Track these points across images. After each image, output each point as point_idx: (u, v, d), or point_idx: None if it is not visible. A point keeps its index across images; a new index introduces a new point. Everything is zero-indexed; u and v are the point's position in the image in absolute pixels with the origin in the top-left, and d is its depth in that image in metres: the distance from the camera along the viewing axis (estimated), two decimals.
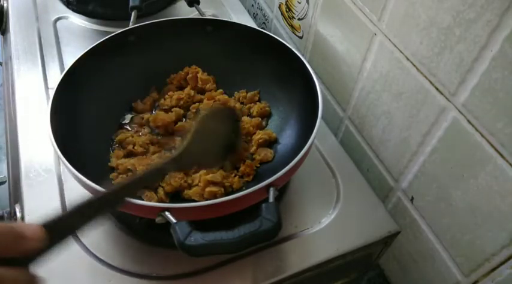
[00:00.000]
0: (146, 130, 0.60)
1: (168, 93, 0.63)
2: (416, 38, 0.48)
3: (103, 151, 0.56)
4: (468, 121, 0.44)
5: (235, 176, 0.54)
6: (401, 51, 0.51)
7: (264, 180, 0.43)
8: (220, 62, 0.65)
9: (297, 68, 0.57)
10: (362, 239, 0.54)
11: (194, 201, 0.51)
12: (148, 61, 0.63)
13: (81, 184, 0.45)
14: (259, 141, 0.57)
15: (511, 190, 0.41)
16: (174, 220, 0.40)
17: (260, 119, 0.61)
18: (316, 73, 0.55)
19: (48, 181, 0.56)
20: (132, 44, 0.62)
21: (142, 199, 0.50)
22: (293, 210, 0.56)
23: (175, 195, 0.52)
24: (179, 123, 0.60)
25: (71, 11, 0.83)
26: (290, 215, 0.56)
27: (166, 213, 0.41)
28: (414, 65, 0.49)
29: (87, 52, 0.57)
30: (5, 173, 1.14)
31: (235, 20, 0.82)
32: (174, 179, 0.51)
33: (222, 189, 0.51)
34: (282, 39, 0.60)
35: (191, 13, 0.77)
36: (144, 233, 0.52)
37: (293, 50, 0.58)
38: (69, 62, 0.56)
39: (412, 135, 0.52)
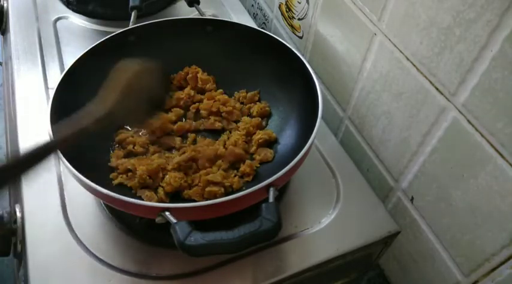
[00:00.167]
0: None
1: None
2: (416, 38, 0.48)
3: (103, 151, 0.56)
4: (468, 121, 0.44)
5: (235, 176, 0.54)
6: (401, 51, 0.51)
7: (264, 180, 0.43)
8: (220, 62, 0.65)
9: (297, 68, 0.57)
10: (362, 239, 0.54)
11: (194, 201, 0.51)
12: (148, 61, 0.63)
13: (81, 184, 0.45)
14: (259, 141, 0.57)
15: (511, 190, 0.41)
16: (174, 220, 0.40)
17: (260, 119, 0.61)
18: (316, 73, 0.55)
19: (48, 181, 0.56)
20: (132, 44, 0.62)
21: (143, 199, 0.50)
22: (293, 210, 0.56)
23: (175, 195, 0.52)
24: (179, 123, 0.60)
25: (71, 11, 0.83)
26: (290, 215, 0.56)
27: (166, 213, 0.41)
28: (414, 65, 0.49)
29: (87, 52, 0.57)
30: None
31: (235, 20, 0.82)
32: (174, 179, 0.51)
33: (222, 189, 0.51)
34: (282, 39, 0.60)
35: (191, 13, 0.77)
36: (144, 233, 0.52)
37: (293, 50, 0.58)
38: (69, 62, 0.56)
39: (412, 135, 0.52)
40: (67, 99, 0.52)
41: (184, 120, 0.62)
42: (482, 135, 0.42)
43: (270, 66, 0.63)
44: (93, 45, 0.57)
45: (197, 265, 0.50)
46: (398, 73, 0.52)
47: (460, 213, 0.48)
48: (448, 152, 0.47)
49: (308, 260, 0.51)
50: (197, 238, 0.38)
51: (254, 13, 0.93)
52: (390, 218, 0.57)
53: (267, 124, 0.62)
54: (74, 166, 0.44)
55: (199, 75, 0.64)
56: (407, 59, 0.50)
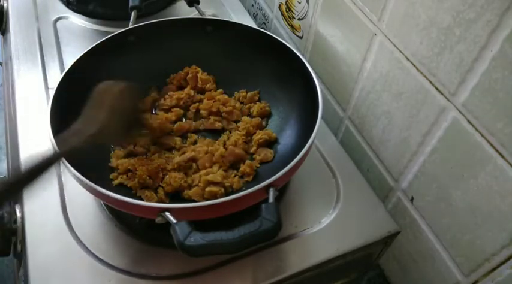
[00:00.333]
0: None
1: (168, 93, 0.63)
2: (416, 38, 0.48)
3: (103, 151, 0.56)
4: (468, 121, 0.44)
5: (235, 176, 0.54)
6: (401, 51, 0.51)
7: (264, 180, 0.43)
8: (220, 62, 0.65)
9: (297, 68, 0.57)
10: (362, 239, 0.54)
11: (194, 201, 0.51)
12: (148, 61, 0.63)
13: (81, 184, 0.45)
14: (259, 141, 0.57)
15: (511, 190, 0.41)
16: (174, 220, 0.40)
17: (260, 119, 0.61)
18: (316, 73, 0.55)
19: (48, 181, 0.56)
20: (132, 44, 0.62)
21: (143, 200, 0.50)
22: (293, 210, 0.56)
23: (175, 195, 0.52)
24: (179, 123, 0.60)
25: (71, 11, 0.83)
26: (290, 215, 0.56)
27: (167, 213, 0.41)
28: (414, 65, 0.49)
29: (87, 52, 0.57)
30: (5, 173, 1.14)
31: (235, 20, 0.82)
32: (174, 179, 0.51)
33: (222, 189, 0.51)
34: (282, 39, 0.60)
35: (191, 13, 0.77)
36: (144, 233, 0.52)
37: (293, 50, 0.58)
38: (69, 62, 0.56)
39: (412, 135, 0.52)
40: (67, 99, 0.52)
41: (184, 120, 0.62)
42: (482, 135, 0.42)
43: (270, 66, 0.63)
44: (93, 45, 0.57)
45: (197, 265, 0.50)
46: (398, 73, 0.52)
47: (460, 213, 0.48)
48: (448, 152, 0.47)
49: (308, 260, 0.51)
50: (197, 238, 0.38)
51: (254, 13, 0.93)
52: (390, 218, 0.57)
53: (267, 124, 0.62)
54: (73, 166, 0.44)
55: (199, 75, 0.64)
56: (407, 59, 0.50)
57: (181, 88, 0.65)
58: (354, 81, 0.62)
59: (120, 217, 0.53)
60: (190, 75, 0.64)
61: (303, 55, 0.59)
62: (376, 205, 0.58)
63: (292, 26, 0.77)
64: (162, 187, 0.52)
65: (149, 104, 0.62)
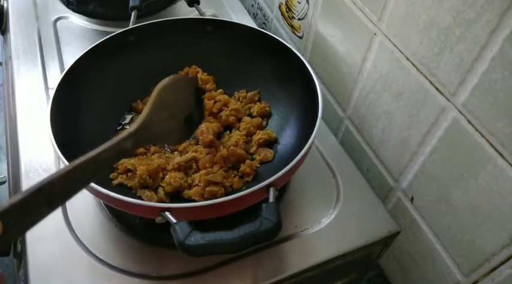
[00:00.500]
0: None
1: None
2: (416, 38, 0.48)
3: None
4: (468, 121, 0.44)
5: (235, 176, 0.54)
6: (401, 51, 0.51)
7: (264, 180, 0.43)
8: (220, 62, 0.65)
9: (297, 68, 0.57)
10: (362, 239, 0.54)
11: (194, 201, 0.51)
12: (148, 61, 0.63)
13: None
14: (259, 141, 0.57)
15: (511, 190, 0.41)
16: (174, 220, 0.40)
17: (260, 119, 0.61)
18: (316, 73, 0.55)
19: None
20: (132, 44, 0.62)
21: (143, 199, 0.50)
22: (293, 210, 0.56)
23: (175, 195, 0.52)
24: None
25: (71, 11, 0.83)
26: (290, 215, 0.56)
27: (167, 213, 0.41)
28: (414, 65, 0.49)
29: (87, 52, 0.57)
30: (5, 173, 1.13)
31: (235, 20, 0.82)
32: (174, 179, 0.51)
33: (222, 189, 0.51)
34: (282, 39, 0.60)
35: (191, 13, 0.77)
36: (144, 233, 0.52)
37: (293, 50, 0.58)
38: (69, 62, 0.56)
39: (412, 135, 0.52)
40: (67, 99, 0.52)
41: None
42: (482, 135, 0.42)
43: (270, 66, 0.63)
44: (93, 45, 0.57)
45: (197, 265, 0.50)
46: (398, 73, 0.52)
47: (460, 213, 0.48)
48: (448, 152, 0.47)
49: (308, 260, 0.51)
50: (197, 238, 0.38)
51: (254, 13, 0.93)
52: (390, 218, 0.57)
53: (267, 124, 0.62)
54: None
55: (199, 75, 0.64)
56: (407, 59, 0.50)
57: None
58: (354, 81, 0.62)
59: (120, 217, 0.53)
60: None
61: (303, 55, 0.59)
62: (376, 205, 0.58)
63: (292, 26, 0.77)
64: (162, 187, 0.52)
65: None
